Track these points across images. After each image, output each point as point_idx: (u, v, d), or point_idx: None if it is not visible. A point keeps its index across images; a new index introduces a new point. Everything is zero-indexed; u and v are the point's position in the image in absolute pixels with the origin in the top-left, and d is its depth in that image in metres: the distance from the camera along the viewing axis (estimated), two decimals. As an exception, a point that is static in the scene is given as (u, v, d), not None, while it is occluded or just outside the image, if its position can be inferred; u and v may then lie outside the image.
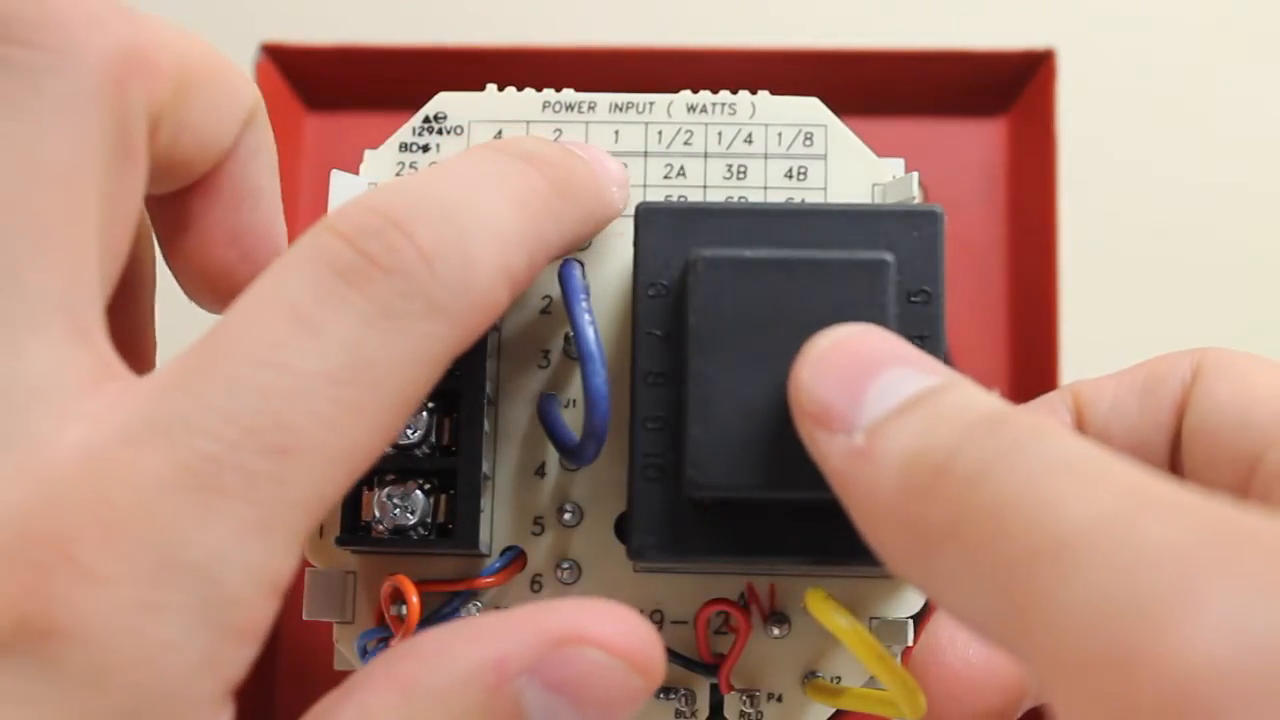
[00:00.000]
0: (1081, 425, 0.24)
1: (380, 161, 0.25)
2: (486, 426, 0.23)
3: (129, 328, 0.22)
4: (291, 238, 0.23)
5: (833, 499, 0.19)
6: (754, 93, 0.25)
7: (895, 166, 0.25)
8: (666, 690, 0.24)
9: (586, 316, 0.22)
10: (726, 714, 0.24)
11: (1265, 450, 0.21)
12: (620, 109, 0.25)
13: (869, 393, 0.18)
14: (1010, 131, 0.41)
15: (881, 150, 0.25)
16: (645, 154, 0.25)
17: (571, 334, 0.22)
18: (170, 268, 0.22)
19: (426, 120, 0.25)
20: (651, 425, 0.22)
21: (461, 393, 0.22)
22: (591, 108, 0.25)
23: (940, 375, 0.18)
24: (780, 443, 0.20)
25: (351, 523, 0.23)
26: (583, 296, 0.22)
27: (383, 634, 0.23)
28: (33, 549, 0.15)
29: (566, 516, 0.24)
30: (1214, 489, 0.22)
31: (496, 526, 0.24)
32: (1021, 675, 0.24)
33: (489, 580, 0.23)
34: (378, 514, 0.22)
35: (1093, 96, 0.41)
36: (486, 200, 0.19)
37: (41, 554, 0.15)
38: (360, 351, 0.17)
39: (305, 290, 0.17)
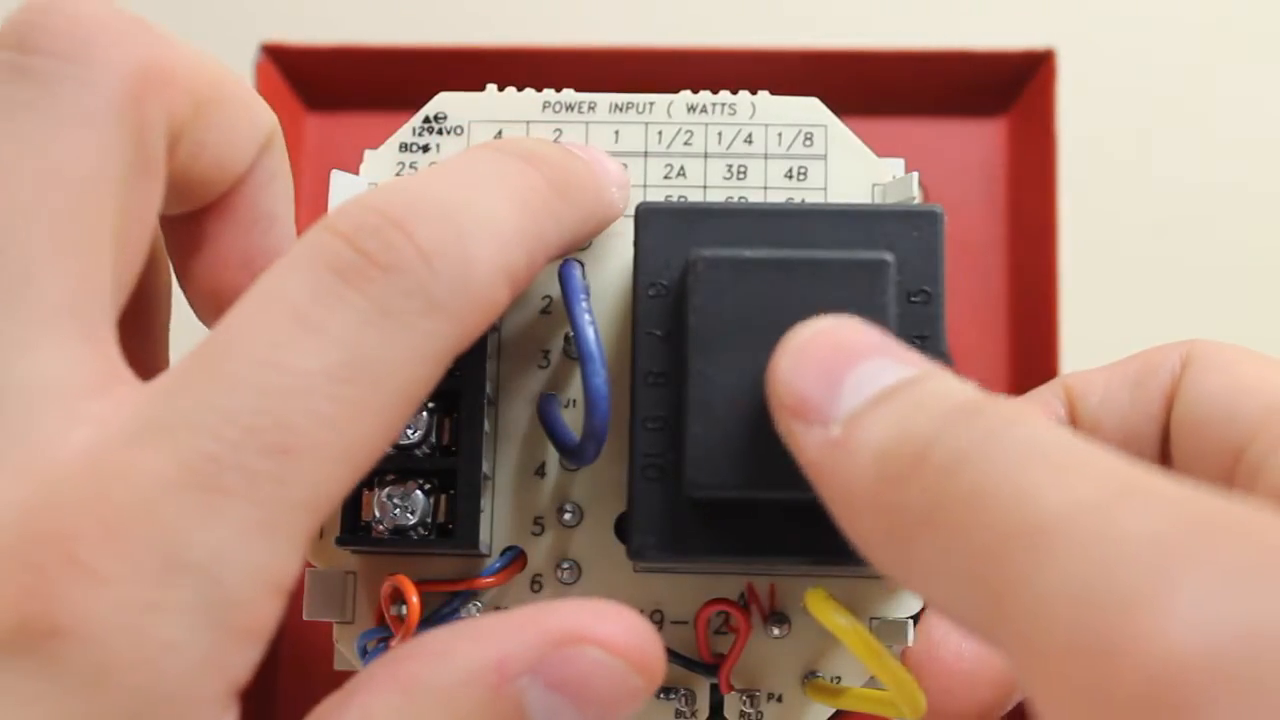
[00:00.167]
0: (1074, 418, 0.24)
1: (380, 161, 0.25)
2: (486, 426, 0.23)
3: (143, 347, 0.22)
4: (292, 238, 0.23)
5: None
6: (754, 93, 0.25)
7: (895, 166, 0.25)
8: (666, 690, 0.24)
9: (586, 316, 0.22)
10: (726, 714, 0.24)
11: (1249, 442, 0.21)
12: (620, 109, 0.25)
13: (846, 383, 0.18)
14: (1010, 131, 0.41)
15: (881, 150, 0.25)
16: (645, 154, 0.25)
17: (571, 334, 0.22)
18: (182, 288, 0.22)
19: (426, 120, 0.25)
20: (651, 425, 0.22)
21: (461, 393, 0.22)
22: (591, 108, 0.25)
23: (918, 365, 0.18)
24: (780, 443, 0.20)
25: (351, 523, 0.23)
26: (583, 296, 0.22)
27: (383, 634, 0.23)
28: (35, 549, 0.15)
29: (566, 516, 0.24)
30: (1201, 480, 0.22)
31: (496, 526, 0.24)
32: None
33: (489, 580, 0.23)
34: (378, 514, 0.22)
35: (1093, 96, 0.41)
36: (486, 199, 0.19)
37: (44, 554, 0.15)
38: (360, 350, 0.17)
39: (304, 290, 0.17)
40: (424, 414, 0.22)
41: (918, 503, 0.16)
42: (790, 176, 0.25)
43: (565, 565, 0.24)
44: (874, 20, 0.42)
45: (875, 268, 0.21)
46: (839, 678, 0.23)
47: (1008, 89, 0.40)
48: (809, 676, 0.24)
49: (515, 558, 0.24)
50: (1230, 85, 0.42)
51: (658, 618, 0.24)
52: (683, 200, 0.24)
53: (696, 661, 0.23)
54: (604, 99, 0.25)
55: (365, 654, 0.23)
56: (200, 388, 0.16)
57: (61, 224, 0.17)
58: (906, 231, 0.22)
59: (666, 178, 0.25)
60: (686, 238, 0.22)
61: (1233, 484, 0.21)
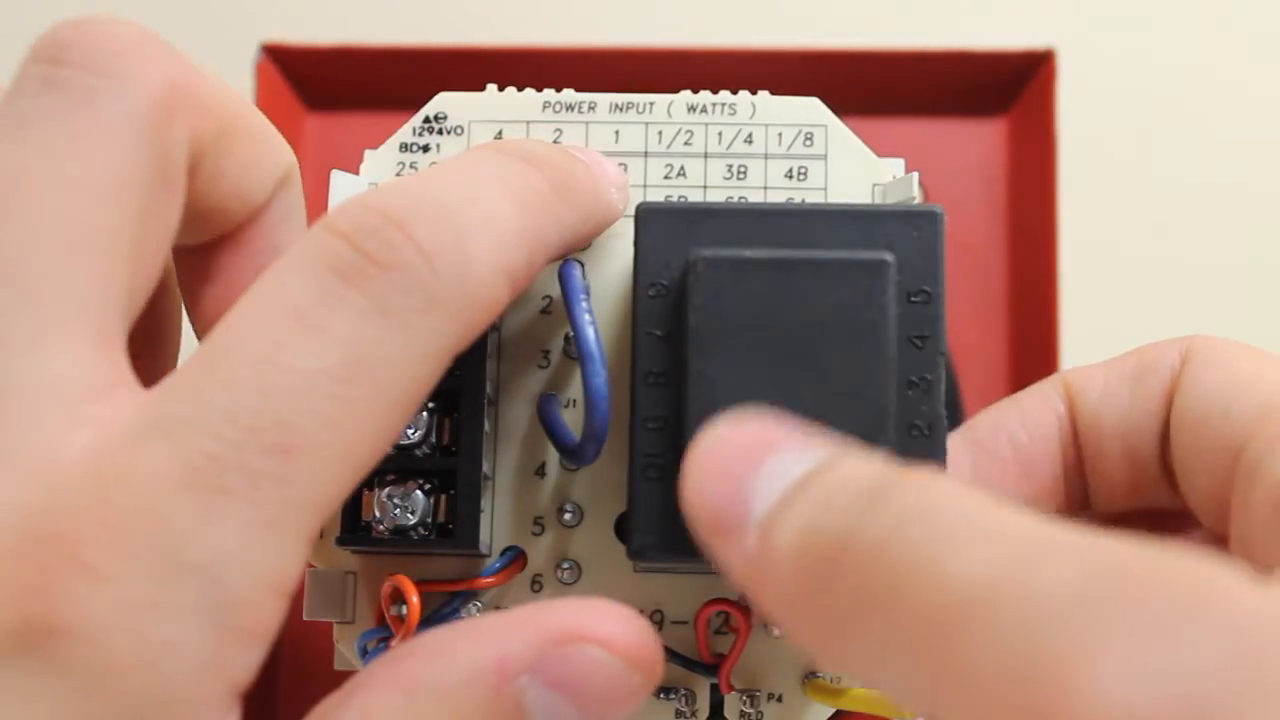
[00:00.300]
0: (1073, 414, 0.24)
1: (380, 161, 0.25)
2: (486, 426, 0.23)
3: (154, 369, 0.22)
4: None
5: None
6: (754, 93, 0.25)
7: (895, 166, 0.25)
8: (666, 690, 0.24)
9: (586, 316, 0.22)
10: (726, 714, 0.24)
11: (1247, 440, 0.21)
12: (620, 109, 0.25)
13: (753, 488, 0.17)
14: (1010, 131, 0.41)
15: (881, 150, 0.25)
16: (645, 154, 0.25)
17: (571, 334, 0.22)
18: (191, 320, 0.23)
19: (426, 120, 0.25)
20: (651, 425, 0.22)
21: (461, 393, 0.22)
22: (591, 108, 0.25)
23: (820, 449, 0.17)
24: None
25: (352, 523, 0.23)
26: (583, 296, 0.22)
27: (383, 634, 0.23)
28: (38, 549, 0.15)
29: (566, 516, 0.24)
30: (1201, 478, 0.22)
31: (496, 526, 0.24)
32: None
33: (489, 580, 0.23)
34: (378, 514, 0.22)
35: (1093, 96, 0.41)
36: (485, 199, 0.19)
37: (46, 554, 0.15)
38: (360, 349, 0.17)
39: (304, 289, 0.17)
40: (424, 414, 0.22)
41: (845, 600, 0.16)
42: (790, 176, 0.25)
43: (565, 565, 0.24)
44: (874, 20, 0.42)
45: (875, 268, 0.21)
46: (839, 678, 0.23)
47: (1008, 89, 0.40)
48: (809, 676, 0.24)
49: (515, 558, 0.24)
50: (1230, 85, 0.42)
51: (658, 618, 0.24)
52: (683, 200, 0.24)
53: (696, 661, 0.23)
54: (604, 99, 0.25)
55: (365, 654, 0.23)
56: (201, 388, 0.16)
57: (80, 229, 0.17)
58: (906, 231, 0.22)
59: (666, 178, 0.25)
60: (686, 238, 0.22)
61: (1231, 482, 0.21)
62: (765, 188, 0.25)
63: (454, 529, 0.22)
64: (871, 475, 0.16)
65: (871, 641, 0.15)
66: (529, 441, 0.24)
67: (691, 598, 0.24)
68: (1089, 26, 0.42)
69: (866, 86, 0.39)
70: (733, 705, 0.24)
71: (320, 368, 0.16)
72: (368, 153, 0.25)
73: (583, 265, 0.24)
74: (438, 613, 0.23)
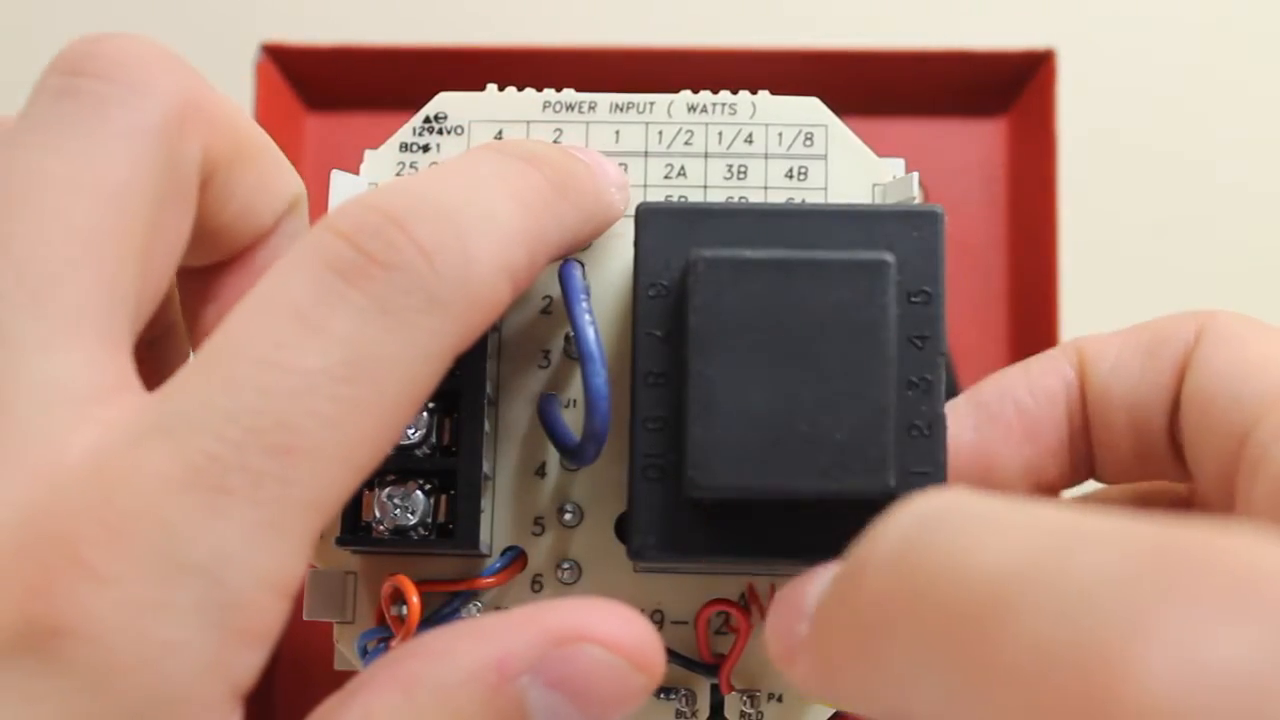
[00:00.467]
0: (1083, 382, 0.24)
1: (380, 161, 0.25)
2: (487, 426, 0.23)
3: (160, 380, 0.22)
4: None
5: (832, 499, 0.19)
6: (754, 93, 0.25)
7: (895, 166, 0.25)
8: (667, 690, 0.24)
9: (587, 317, 0.22)
10: (727, 714, 0.24)
11: (1254, 426, 0.20)
12: (620, 109, 0.25)
13: (805, 601, 0.18)
14: (1010, 131, 0.41)
15: (881, 150, 0.25)
16: (645, 154, 0.25)
17: (572, 334, 0.22)
18: (190, 340, 0.23)
19: (426, 120, 0.25)
20: (652, 425, 0.22)
21: (462, 393, 0.22)
22: (592, 108, 0.25)
23: None
24: (781, 443, 0.20)
25: (352, 523, 0.23)
26: (583, 296, 0.22)
27: (383, 634, 0.23)
28: (40, 549, 0.15)
29: (567, 517, 0.24)
30: (1207, 459, 0.21)
31: (497, 526, 0.24)
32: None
33: (489, 580, 0.23)
34: (378, 514, 0.22)
35: (1093, 96, 0.41)
36: (486, 199, 0.19)
37: (49, 554, 0.15)
38: (361, 348, 0.17)
39: (305, 289, 0.17)
40: (424, 414, 0.22)
41: (868, 615, 0.16)
42: (790, 176, 0.25)
43: (565, 565, 0.24)
44: (874, 20, 0.42)
45: (875, 268, 0.21)
46: (839, 678, 0.23)
47: (1008, 89, 0.40)
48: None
49: (515, 558, 0.24)
50: (1230, 85, 0.42)
51: (658, 618, 0.24)
52: (683, 200, 0.24)
53: (697, 661, 0.23)
54: (604, 99, 0.25)
55: (365, 654, 0.23)
56: (203, 388, 0.16)
57: (90, 233, 0.17)
58: (907, 231, 0.22)
59: (667, 178, 0.25)
60: (687, 238, 0.22)
61: (1237, 467, 0.21)
62: (765, 188, 0.25)
63: (454, 529, 0.22)
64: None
65: (899, 654, 0.15)
66: (529, 441, 0.24)
67: (691, 598, 0.24)
68: (1089, 26, 0.42)
69: (866, 86, 0.39)
70: (733, 705, 0.24)
71: (321, 368, 0.16)
72: (368, 153, 0.25)
73: (583, 265, 0.24)
74: (438, 613, 0.23)
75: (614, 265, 0.24)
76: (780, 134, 0.25)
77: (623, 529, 0.24)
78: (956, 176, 0.41)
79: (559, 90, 0.25)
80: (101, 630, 0.15)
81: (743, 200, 0.24)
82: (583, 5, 0.42)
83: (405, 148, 0.25)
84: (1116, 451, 0.24)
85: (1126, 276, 0.41)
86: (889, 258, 0.21)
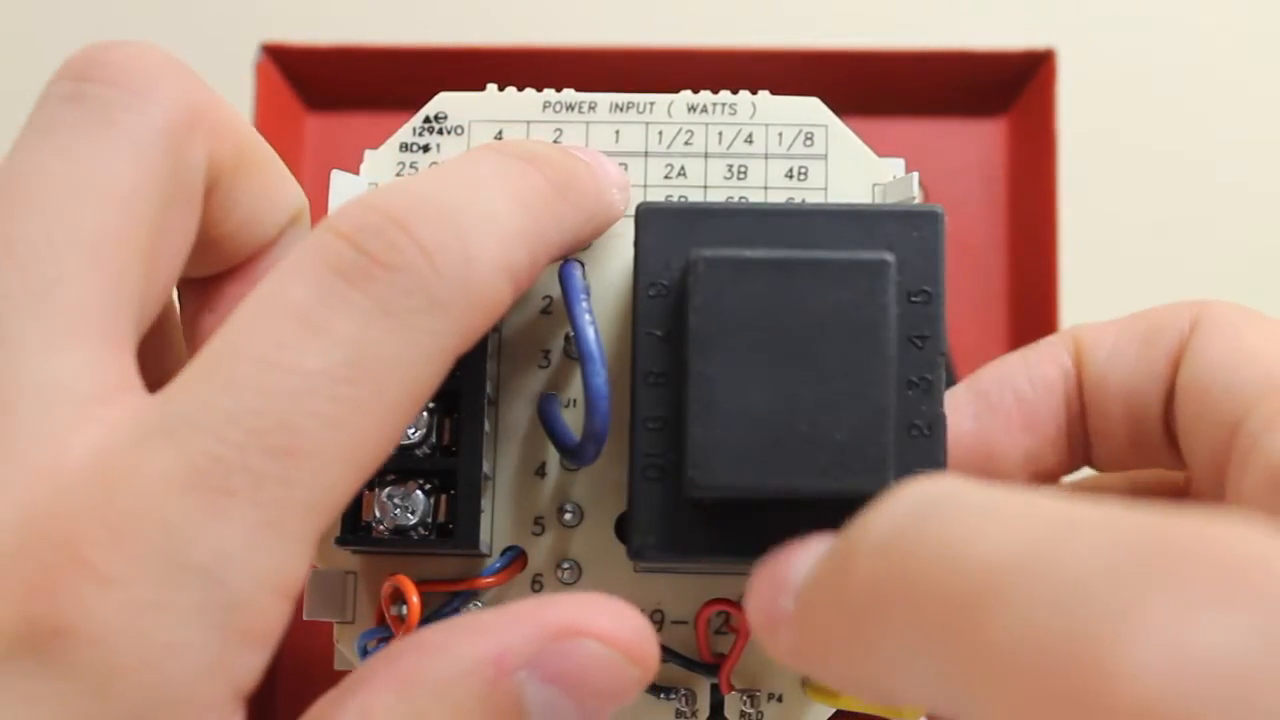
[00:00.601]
0: (1080, 371, 0.24)
1: (380, 161, 0.25)
2: (487, 426, 0.23)
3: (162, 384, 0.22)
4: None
5: (832, 499, 0.19)
6: (754, 93, 0.25)
7: (895, 166, 0.25)
8: (667, 690, 0.24)
9: (587, 316, 0.22)
10: (727, 714, 0.24)
11: (1245, 416, 0.20)
12: (620, 109, 0.25)
13: (790, 575, 0.18)
14: (1010, 131, 0.41)
15: (881, 150, 0.25)
16: (646, 154, 0.25)
17: (572, 334, 0.22)
18: (189, 350, 0.23)
19: (426, 120, 0.25)
20: (652, 425, 0.22)
21: (462, 393, 0.23)
22: (592, 108, 0.25)
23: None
24: (781, 442, 0.20)
25: (352, 523, 0.23)
26: (583, 296, 0.22)
27: (383, 634, 0.23)
28: (42, 550, 0.15)
29: (567, 516, 0.24)
30: (1200, 449, 0.22)
31: (497, 526, 0.24)
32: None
33: (489, 580, 0.23)
34: (378, 514, 0.22)
35: (1093, 96, 0.41)
36: (487, 199, 0.19)
37: (51, 555, 0.15)
38: (362, 349, 0.17)
39: (307, 290, 0.17)
40: (424, 414, 0.22)
41: (861, 599, 0.16)
42: (790, 176, 0.25)
43: (565, 565, 0.24)
44: (874, 20, 0.42)
45: (875, 268, 0.21)
46: (839, 678, 0.23)
47: (1008, 89, 0.40)
48: (809, 676, 0.24)
49: (515, 558, 0.24)
50: (1230, 85, 0.42)
51: (658, 618, 0.24)
52: (683, 200, 0.24)
53: (697, 661, 0.23)
54: (604, 99, 0.25)
55: (365, 654, 0.23)
56: (204, 389, 0.16)
57: (95, 234, 0.18)
58: (907, 231, 0.22)
59: (667, 178, 0.25)
60: (687, 238, 0.22)
61: (1229, 457, 0.21)
62: (765, 188, 0.25)
63: (454, 529, 0.22)
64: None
65: (890, 639, 0.15)
66: (529, 441, 0.24)
67: (691, 598, 0.24)
68: (1089, 26, 0.42)
69: (866, 86, 0.39)
70: (733, 705, 0.24)
71: (322, 368, 0.16)
72: (368, 153, 0.25)
73: (583, 265, 0.24)
74: (438, 613, 0.23)
75: (614, 265, 0.24)
76: (780, 134, 0.25)
77: (623, 529, 0.24)
78: (956, 176, 0.41)
79: (559, 90, 0.25)
80: (103, 631, 0.15)
81: (743, 200, 0.24)
82: (583, 5, 0.42)
83: (405, 148, 0.25)
84: (1112, 440, 0.24)
85: (1126, 276, 0.41)
86: (889, 257, 0.21)
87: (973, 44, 0.39)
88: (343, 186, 0.24)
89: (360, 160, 0.25)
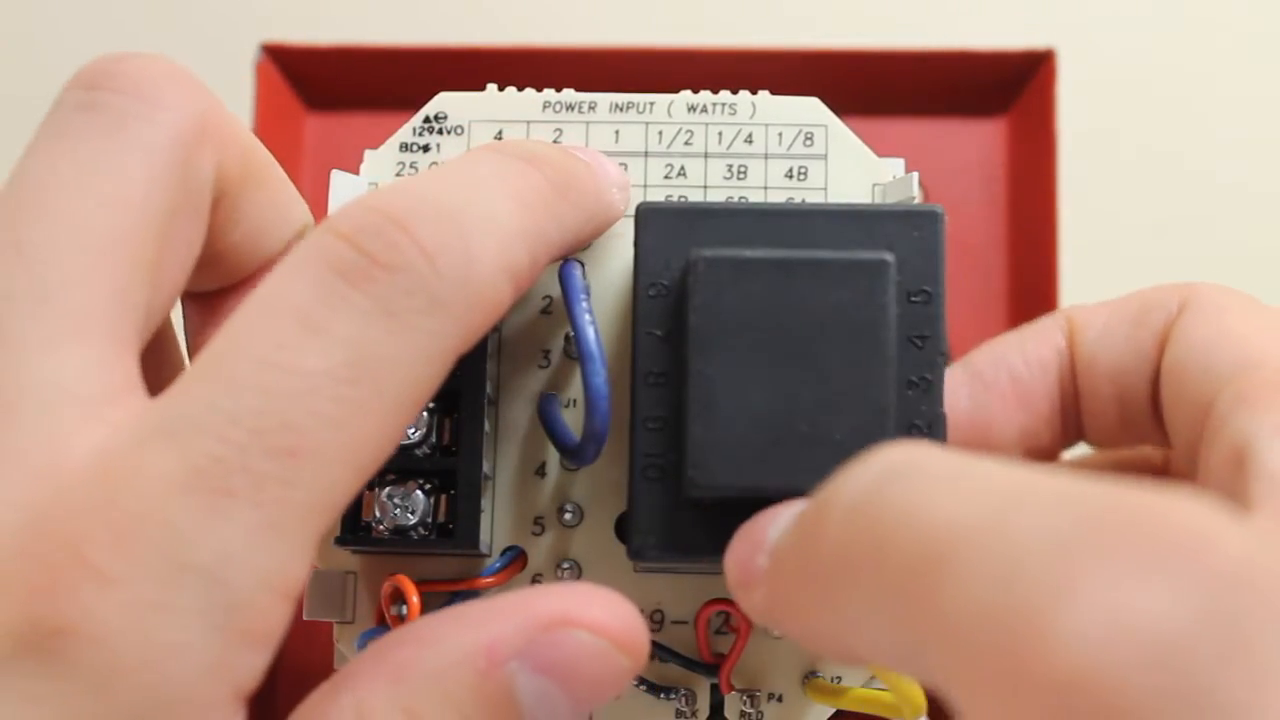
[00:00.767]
0: (1071, 350, 0.24)
1: (380, 161, 0.25)
2: (487, 426, 0.23)
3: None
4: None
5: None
6: (754, 93, 0.25)
7: (895, 166, 0.25)
8: (667, 690, 0.24)
9: (587, 316, 0.22)
10: (727, 714, 0.24)
11: (1217, 397, 0.20)
12: (620, 109, 0.25)
13: (768, 535, 0.19)
14: (1010, 131, 0.41)
15: (881, 150, 0.25)
16: (645, 154, 0.25)
17: (572, 334, 0.22)
18: (190, 363, 0.23)
19: (426, 120, 0.25)
20: (652, 425, 0.22)
21: (462, 393, 0.23)
22: (592, 108, 0.25)
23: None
24: (781, 442, 0.20)
25: (352, 523, 0.23)
26: (583, 296, 0.22)
27: (383, 634, 0.23)
28: (44, 550, 0.15)
29: (567, 516, 0.24)
30: (1181, 429, 0.22)
31: (497, 526, 0.24)
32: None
33: (489, 580, 0.23)
34: (378, 514, 0.22)
35: (1093, 96, 0.41)
36: (487, 199, 0.19)
37: (54, 555, 0.15)
38: (363, 349, 0.17)
39: (307, 291, 0.17)
40: (424, 414, 0.22)
41: (831, 560, 0.16)
42: (790, 176, 0.25)
43: (565, 565, 0.24)
44: (874, 20, 0.42)
45: (875, 268, 0.21)
46: (839, 678, 0.23)
47: (1008, 89, 0.40)
48: (809, 676, 0.24)
49: (515, 558, 0.24)
50: (1230, 85, 0.42)
51: (658, 618, 0.24)
52: (683, 200, 0.24)
53: (697, 661, 0.23)
54: (604, 99, 0.25)
55: (365, 654, 0.23)
56: (206, 390, 0.16)
57: (103, 240, 0.18)
58: (907, 231, 0.22)
59: (667, 178, 0.25)
60: (687, 238, 0.22)
61: (1201, 439, 0.21)
62: (765, 188, 0.25)
63: (454, 529, 0.22)
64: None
65: (854, 599, 0.16)
66: (529, 441, 0.24)
67: (691, 598, 0.24)
68: (1089, 26, 0.42)
69: (866, 86, 0.39)
70: (733, 705, 0.24)
71: (323, 369, 0.16)
72: (368, 153, 0.25)
73: (583, 265, 0.24)
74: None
75: (614, 265, 0.24)
76: (780, 134, 0.25)
77: (623, 529, 0.24)
78: (956, 176, 0.41)
79: (559, 90, 0.25)
80: (105, 631, 0.15)
81: (743, 200, 0.24)
82: (583, 5, 0.42)
83: (405, 148, 0.25)
84: (1103, 418, 0.24)
85: (1126, 276, 0.41)
86: (889, 257, 0.21)
87: (973, 44, 0.39)
88: (343, 186, 0.24)
89: (360, 160, 0.25)
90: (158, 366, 0.23)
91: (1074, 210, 0.38)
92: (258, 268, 0.22)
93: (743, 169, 0.25)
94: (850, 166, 0.25)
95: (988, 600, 0.14)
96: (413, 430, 0.22)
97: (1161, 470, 0.25)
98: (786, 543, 0.18)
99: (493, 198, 0.19)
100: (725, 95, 0.25)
